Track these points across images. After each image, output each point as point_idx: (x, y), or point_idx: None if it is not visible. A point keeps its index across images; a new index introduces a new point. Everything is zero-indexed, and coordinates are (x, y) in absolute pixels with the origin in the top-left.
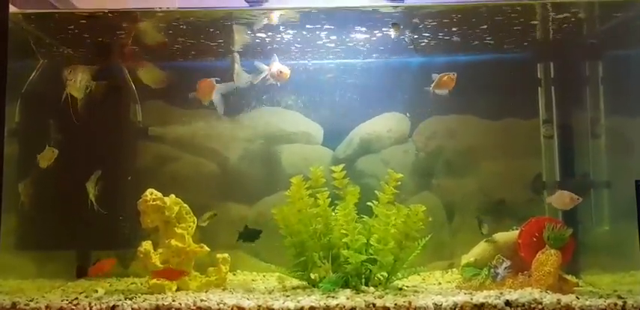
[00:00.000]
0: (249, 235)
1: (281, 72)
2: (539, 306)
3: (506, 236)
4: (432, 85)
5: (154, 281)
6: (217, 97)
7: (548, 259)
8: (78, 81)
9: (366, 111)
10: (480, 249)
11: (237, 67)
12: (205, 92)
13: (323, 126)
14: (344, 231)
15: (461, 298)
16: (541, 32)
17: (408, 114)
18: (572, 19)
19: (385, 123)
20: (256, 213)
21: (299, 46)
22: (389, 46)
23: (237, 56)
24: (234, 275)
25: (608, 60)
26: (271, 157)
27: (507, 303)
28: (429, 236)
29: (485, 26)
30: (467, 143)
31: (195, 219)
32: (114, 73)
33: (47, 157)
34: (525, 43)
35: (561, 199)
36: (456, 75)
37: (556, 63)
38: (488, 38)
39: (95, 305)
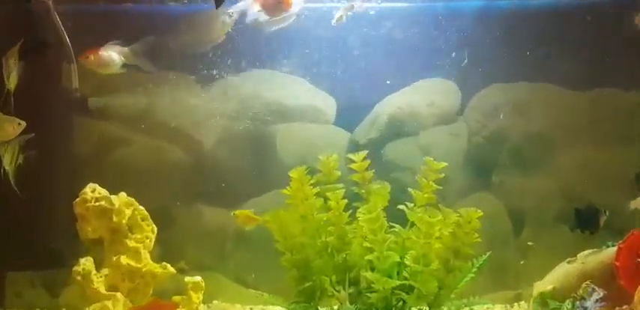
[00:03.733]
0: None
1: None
2: None
3: (599, 256)
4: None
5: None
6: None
7: None
8: (15, 72)
9: (397, 76)
10: (560, 274)
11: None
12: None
13: (336, 97)
14: (367, 245)
15: None
16: None
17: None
18: None
19: (425, 95)
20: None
21: None
22: None
23: None
24: (208, 307)
25: None
26: (263, 141)
27: None
28: (488, 254)
29: None
30: (543, 123)
31: (155, 228)
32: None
33: (7, 131)
34: None
35: None
36: None
37: None
38: None
39: None
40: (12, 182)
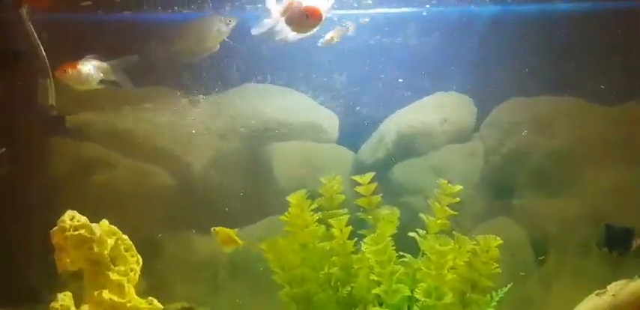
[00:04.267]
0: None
1: (308, 15)
2: None
3: (630, 287)
4: None
5: None
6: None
7: None
8: None
9: (407, 89)
10: (588, 308)
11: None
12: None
13: (339, 113)
14: (374, 278)
15: None
16: None
17: None
18: None
19: (437, 110)
20: (233, 249)
21: None
22: None
23: None
24: None
25: None
26: (258, 162)
27: None
28: (509, 286)
29: None
30: (567, 140)
31: (140, 258)
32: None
33: None
34: None
35: None
36: None
37: None
38: None
39: None
40: None
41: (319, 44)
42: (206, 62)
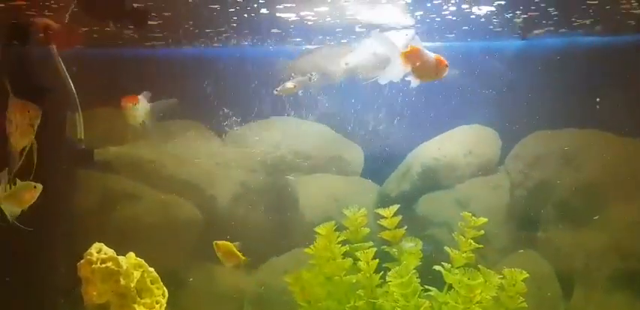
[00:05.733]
0: None
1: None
2: None
3: None
4: None
5: None
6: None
7: None
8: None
9: (431, 122)
10: None
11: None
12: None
13: (364, 146)
14: None
15: None
16: None
17: None
18: None
19: (462, 143)
20: (258, 282)
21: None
22: (470, 23)
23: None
24: None
25: None
26: (283, 195)
27: None
28: None
29: None
30: (593, 173)
31: (166, 291)
32: (42, 66)
33: (27, 198)
34: None
35: None
36: None
37: None
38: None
39: None
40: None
41: (275, 92)
42: (231, 95)
